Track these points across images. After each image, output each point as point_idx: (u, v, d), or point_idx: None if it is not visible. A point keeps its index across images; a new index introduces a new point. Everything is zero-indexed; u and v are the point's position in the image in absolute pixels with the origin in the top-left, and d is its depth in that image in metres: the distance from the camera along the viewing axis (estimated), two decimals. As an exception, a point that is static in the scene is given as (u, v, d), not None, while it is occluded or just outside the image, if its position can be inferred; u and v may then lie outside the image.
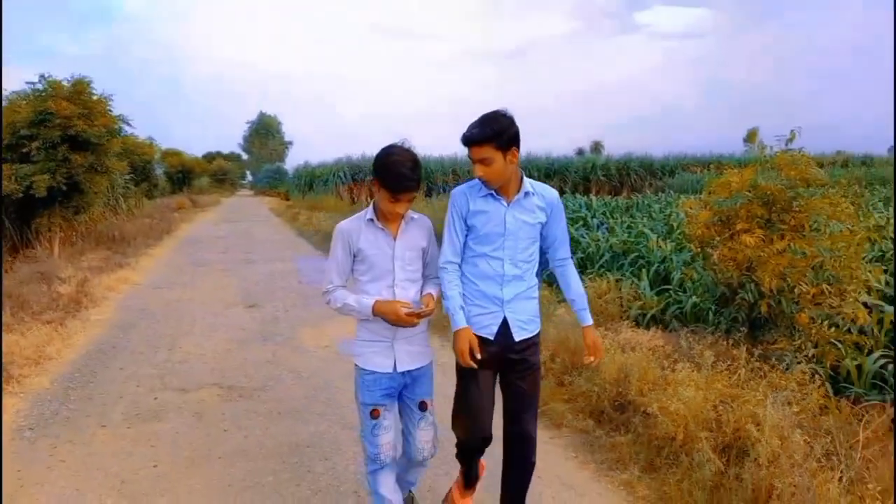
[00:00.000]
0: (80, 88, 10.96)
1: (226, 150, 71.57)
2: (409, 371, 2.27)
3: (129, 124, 11.97)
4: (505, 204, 2.25)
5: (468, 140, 2.14)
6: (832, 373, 3.62)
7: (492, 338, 2.25)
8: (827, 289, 3.36)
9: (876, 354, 3.55)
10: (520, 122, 2.17)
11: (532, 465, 2.38)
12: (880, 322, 4.06)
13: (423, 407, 2.33)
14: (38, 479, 3.07)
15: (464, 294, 2.29)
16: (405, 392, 2.31)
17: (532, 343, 2.33)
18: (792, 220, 3.58)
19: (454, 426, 2.39)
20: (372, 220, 2.23)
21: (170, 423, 3.76)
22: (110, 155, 11.33)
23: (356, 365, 2.29)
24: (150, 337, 5.74)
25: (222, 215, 24.59)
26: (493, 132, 2.10)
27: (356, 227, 2.24)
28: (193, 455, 3.34)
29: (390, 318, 2.14)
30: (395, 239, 2.24)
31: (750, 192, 3.84)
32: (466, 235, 2.31)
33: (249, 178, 68.57)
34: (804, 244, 3.46)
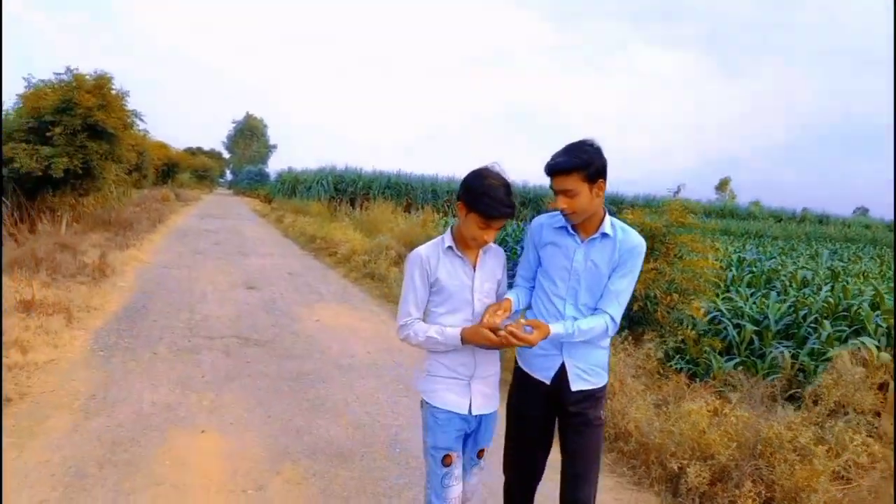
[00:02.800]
0: (101, 83, 12.30)
1: (207, 147, 72.55)
2: (483, 415, 2.17)
3: (142, 120, 13.31)
4: (579, 241, 2.14)
5: (553, 169, 2.03)
6: (693, 363, 5.20)
7: (548, 382, 2.16)
8: (676, 297, 5.01)
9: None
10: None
11: None
12: (737, 327, 5.68)
13: (480, 455, 2.26)
14: (121, 378, 4.49)
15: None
16: (468, 437, 2.20)
17: (592, 396, 2.17)
18: (664, 249, 5.22)
19: (504, 467, 2.37)
20: (451, 247, 2.12)
21: (205, 356, 5.19)
22: (122, 146, 12.68)
23: (425, 403, 2.16)
24: (172, 302, 7.13)
25: (206, 211, 25.82)
26: (582, 162, 1.99)
27: (434, 255, 2.12)
28: (228, 373, 4.78)
29: (482, 343, 2.02)
30: (474, 269, 2.14)
31: (639, 227, 5.48)
32: (538, 267, 2.25)
33: (229, 176, 69.52)
34: (665, 265, 5.09)
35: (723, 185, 64.89)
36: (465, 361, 2.11)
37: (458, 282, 2.10)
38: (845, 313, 5.93)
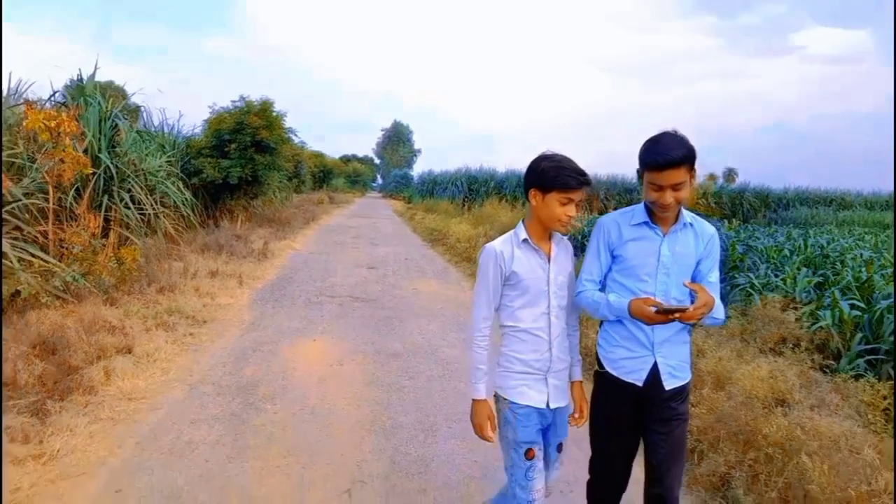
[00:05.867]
0: (265, 107, 15.46)
1: (361, 154, 79.26)
2: (557, 408, 2.21)
3: (295, 135, 16.39)
4: (661, 234, 2.14)
5: (671, 163, 1.98)
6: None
7: (640, 384, 2.14)
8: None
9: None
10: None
11: None
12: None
13: (560, 448, 2.29)
14: (270, 315, 6.84)
15: (607, 335, 2.23)
16: (547, 431, 2.23)
17: (682, 391, 2.19)
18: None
19: (591, 481, 2.40)
20: (527, 240, 2.15)
21: (326, 306, 7.44)
22: (282, 157, 15.80)
23: (503, 399, 2.19)
24: (311, 275, 9.61)
25: (354, 211, 29.39)
26: (690, 152, 1.99)
27: (508, 249, 2.15)
28: (338, 315, 6.98)
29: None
30: (549, 262, 2.17)
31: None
32: (610, 268, 2.23)
33: (380, 181, 75.35)
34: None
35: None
36: (542, 357, 2.15)
37: (535, 275, 2.13)
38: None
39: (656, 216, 2.13)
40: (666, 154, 1.97)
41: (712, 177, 53.71)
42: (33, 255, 6.14)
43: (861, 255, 9.60)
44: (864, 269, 7.77)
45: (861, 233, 16.55)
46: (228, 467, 3.31)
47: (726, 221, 18.61)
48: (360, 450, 3.60)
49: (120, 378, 4.40)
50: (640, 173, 2.10)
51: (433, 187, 33.37)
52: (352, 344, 5.79)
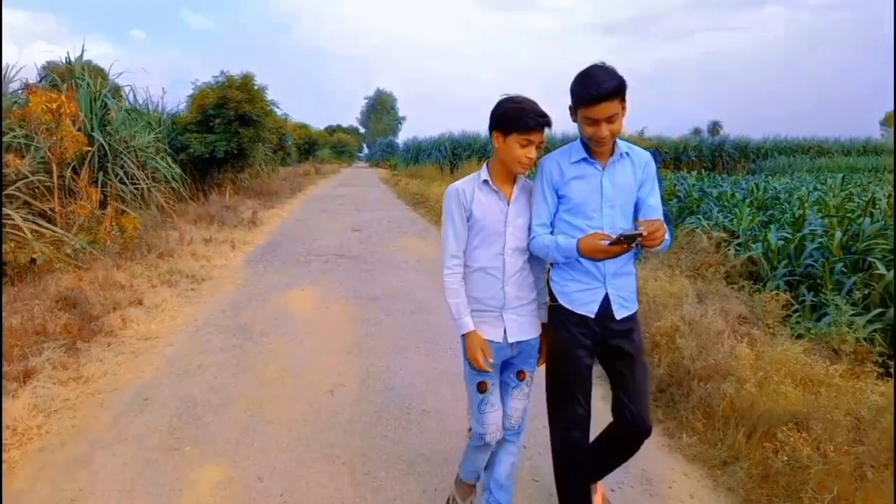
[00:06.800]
0: (246, 81, 15.93)
1: (346, 124, 79.23)
2: (518, 342, 2.25)
3: (278, 107, 16.90)
4: (600, 168, 2.15)
5: (605, 95, 1.97)
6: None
7: (592, 315, 2.18)
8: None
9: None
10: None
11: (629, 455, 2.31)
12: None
13: (521, 377, 2.32)
14: (262, 273, 7.58)
15: (561, 269, 2.24)
16: (507, 363, 2.30)
17: (633, 321, 2.24)
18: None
19: (552, 425, 2.33)
20: (487, 181, 2.20)
21: (313, 264, 8.18)
22: (265, 130, 16.34)
23: (463, 335, 2.22)
24: (299, 238, 10.33)
25: (340, 181, 29.93)
26: (621, 83, 2.00)
27: (469, 188, 2.21)
28: (324, 270, 7.72)
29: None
30: (508, 204, 2.20)
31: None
32: (558, 207, 2.22)
33: (366, 150, 75.53)
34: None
35: (889, 120, 59.22)
36: (495, 295, 2.21)
37: (493, 216, 2.18)
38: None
39: (594, 151, 2.15)
40: (598, 87, 1.97)
41: (697, 131, 54.61)
42: (43, 227, 6.82)
43: (808, 196, 10.39)
44: (798, 208, 8.56)
45: (825, 178, 17.32)
46: (233, 381, 4.09)
47: (694, 172, 19.31)
48: (341, 365, 4.39)
49: (135, 324, 5.15)
50: (574, 110, 2.11)
51: (418, 154, 33.88)
52: (336, 291, 6.56)
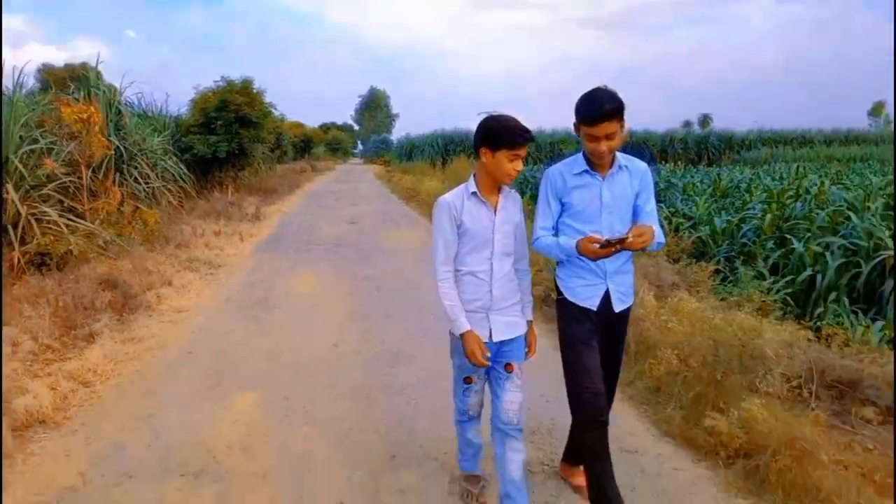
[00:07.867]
0: (245, 85, 16.87)
1: (340, 122, 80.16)
2: (504, 340, 2.45)
3: (275, 109, 17.85)
4: (600, 179, 2.41)
5: (605, 115, 2.22)
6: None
7: (594, 308, 2.46)
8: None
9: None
10: (624, 94, 2.29)
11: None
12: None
13: (508, 369, 2.47)
14: (268, 260, 8.58)
15: (567, 268, 2.51)
16: (495, 358, 2.45)
17: (626, 313, 2.56)
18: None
19: (570, 397, 2.52)
20: (475, 193, 2.38)
21: (313, 251, 9.19)
22: (265, 130, 17.29)
23: (452, 333, 2.46)
24: (300, 231, 11.34)
25: (335, 178, 30.97)
26: (619, 105, 2.24)
27: (459, 201, 2.39)
28: (323, 256, 8.73)
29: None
30: (495, 212, 2.40)
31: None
32: (560, 214, 2.50)
33: (360, 147, 76.43)
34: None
35: (876, 110, 60.25)
36: (482, 297, 2.41)
37: (481, 224, 2.37)
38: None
39: (594, 163, 2.40)
40: (599, 108, 2.21)
41: (687, 123, 55.68)
42: (76, 222, 7.81)
43: (763, 185, 11.43)
44: (748, 196, 9.61)
45: (797, 167, 18.34)
46: (255, 339, 5.11)
47: (670, 165, 20.32)
48: (342, 326, 5.41)
49: (168, 300, 6.16)
50: (577, 126, 2.35)
51: (411, 150, 34.86)
52: (336, 273, 7.57)
